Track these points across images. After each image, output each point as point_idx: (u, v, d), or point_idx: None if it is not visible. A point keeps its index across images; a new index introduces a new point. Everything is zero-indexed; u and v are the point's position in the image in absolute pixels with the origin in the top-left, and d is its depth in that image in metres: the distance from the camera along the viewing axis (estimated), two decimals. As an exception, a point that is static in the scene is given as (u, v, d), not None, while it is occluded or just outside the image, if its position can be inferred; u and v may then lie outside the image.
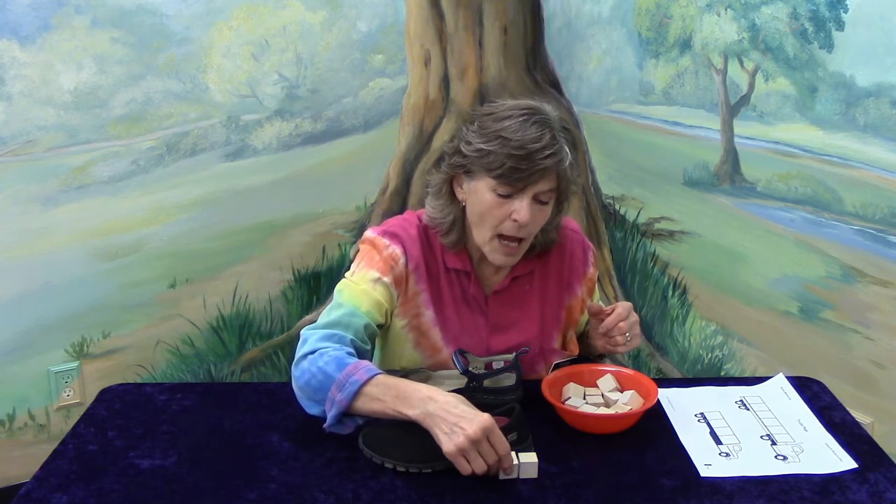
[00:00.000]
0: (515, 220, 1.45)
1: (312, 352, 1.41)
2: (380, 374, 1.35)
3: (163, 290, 2.69)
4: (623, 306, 1.56)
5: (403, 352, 1.59)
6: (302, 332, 1.47)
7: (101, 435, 1.40)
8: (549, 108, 1.47)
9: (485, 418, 1.24)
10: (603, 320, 1.56)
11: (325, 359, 1.38)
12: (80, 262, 2.53)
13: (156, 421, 1.45)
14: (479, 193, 1.48)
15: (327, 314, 1.50)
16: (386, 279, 1.53)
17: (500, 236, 1.49)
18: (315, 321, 1.50)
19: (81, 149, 2.47)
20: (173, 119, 2.60)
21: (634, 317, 1.57)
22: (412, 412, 1.29)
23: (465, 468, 1.25)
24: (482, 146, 1.44)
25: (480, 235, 1.51)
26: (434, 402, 1.28)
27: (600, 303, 1.70)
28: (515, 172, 1.42)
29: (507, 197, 1.45)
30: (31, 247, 2.45)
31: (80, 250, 2.52)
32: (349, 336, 1.46)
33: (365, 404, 1.33)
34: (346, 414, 1.36)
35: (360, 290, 1.52)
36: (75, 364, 2.57)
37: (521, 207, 1.44)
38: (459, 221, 1.56)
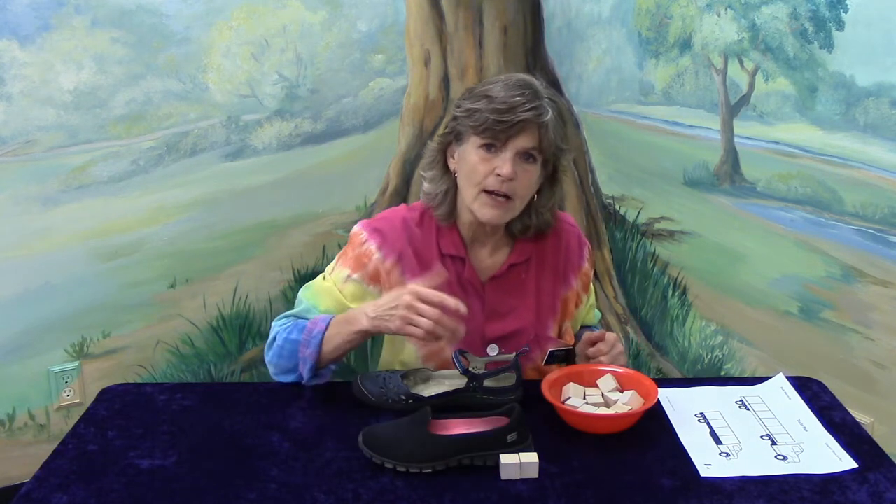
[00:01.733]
0: (499, 175, 1.49)
1: (275, 335, 1.56)
2: (334, 317, 1.50)
3: (163, 290, 2.69)
4: (609, 339, 1.59)
5: (403, 345, 1.61)
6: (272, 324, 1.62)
7: (101, 435, 1.40)
8: (537, 83, 1.55)
9: (408, 286, 1.41)
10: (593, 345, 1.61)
11: (286, 331, 1.53)
12: (80, 262, 2.53)
13: (156, 421, 1.45)
14: (467, 156, 1.54)
15: (294, 308, 1.63)
16: (356, 276, 1.59)
17: (486, 192, 1.52)
18: None
19: (81, 149, 2.47)
20: (173, 119, 2.60)
21: (619, 348, 1.60)
22: (362, 325, 1.45)
23: (417, 333, 1.39)
24: (469, 106, 1.52)
25: (469, 195, 1.55)
26: (373, 306, 1.45)
27: (597, 312, 1.80)
28: (497, 125, 1.48)
29: (492, 152, 1.51)
30: (31, 247, 2.45)
31: (80, 250, 2.52)
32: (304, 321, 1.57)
33: (328, 347, 1.48)
34: (319, 367, 1.51)
35: (323, 289, 1.62)
36: (75, 364, 2.57)
37: (504, 161, 1.50)
38: (451, 193, 1.60)
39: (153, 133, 2.58)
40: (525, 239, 1.63)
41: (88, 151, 2.48)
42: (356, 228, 1.64)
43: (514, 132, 1.49)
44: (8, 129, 2.35)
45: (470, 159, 1.52)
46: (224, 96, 2.66)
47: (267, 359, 1.57)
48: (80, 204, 2.50)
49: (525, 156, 1.51)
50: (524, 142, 1.50)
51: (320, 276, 1.65)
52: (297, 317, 1.60)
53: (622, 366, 1.57)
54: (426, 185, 1.63)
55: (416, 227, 1.61)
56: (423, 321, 1.37)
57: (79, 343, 2.58)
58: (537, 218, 1.61)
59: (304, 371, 1.50)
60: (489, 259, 1.63)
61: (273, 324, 1.60)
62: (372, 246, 1.59)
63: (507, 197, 1.52)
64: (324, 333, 1.48)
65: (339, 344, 1.48)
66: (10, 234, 2.41)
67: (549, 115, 1.51)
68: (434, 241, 1.61)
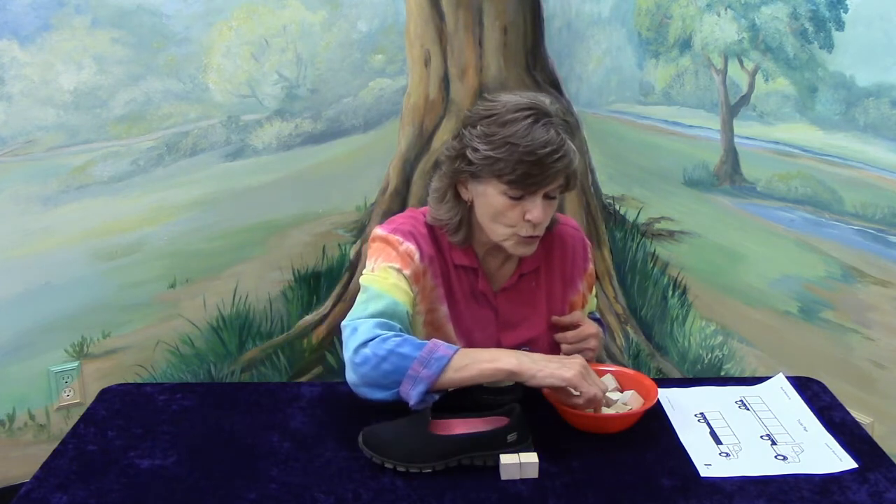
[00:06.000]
0: (529, 220, 1.47)
1: (372, 338, 1.40)
2: (461, 348, 1.41)
3: (163, 290, 2.69)
4: (581, 331, 1.61)
5: None
6: (346, 323, 1.46)
7: (101, 435, 1.40)
8: (547, 103, 1.47)
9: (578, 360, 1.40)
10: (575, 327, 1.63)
11: (393, 343, 1.38)
12: (80, 262, 2.53)
13: (156, 421, 1.45)
14: (488, 196, 1.49)
15: (366, 306, 1.48)
16: (406, 272, 1.52)
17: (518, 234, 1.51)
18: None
19: (81, 149, 2.47)
20: (173, 119, 2.60)
21: (589, 343, 1.61)
22: (511, 364, 1.38)
23: (587, 389, 1.37)
24: (491, 153, 1.44)
25: (497, 234, 1.52)
26: (532, 353, 1.41)
27: (592, 299, 1.78)
28: (528, 178, 1.43)
29: (519, 199, 1.47)
30: (31, 247, 2.45)
31: (80, 250, 2.52)
32: (398, 325, 1.45)
33: (454, 375, 1.38)
34: (428, 391, 1.38)
35: (390, 283, 1.50)
36: (75, 364, 2.57)
37: (535, 207, 1.46)
38: (466, 220, 1.56)
39: (153, 133, 2.58)
40: None
41: (88, 151, 2.49)
42: (384, 232, 1.57)
43: (545, 183, 1.45)
44: (8, 129, 2.36)
45: (495, 202, 1.48)
46: (224, 96, 2.66)
47: (355, 361, 1.39)
48: (80, 204, 2.50)
49: (551, 196, 1.49)
50: (552, 185, 1.47)
51: (371, 276, 1.53)
52: (383, 315, 1.45)
53: (590, 360, 1.59)
54: (437, 214, 1.57)
55: (434, 235, 1.59)
56: (594, 389, 1.38)
57: (79, 343, 2.58)
58: None
59: (413, 392, 1.36)
60: (499, 270, 1.63)
61: (355, 323, 1.44)
62: (412, 246, 1.54)
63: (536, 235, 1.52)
64: (450, 359, 1.37)
65: (466, 377, 1.39)
66: (10, 234, 2.41)
67: (577, 159, 1.46)
68: (447, 251, 1.59)
